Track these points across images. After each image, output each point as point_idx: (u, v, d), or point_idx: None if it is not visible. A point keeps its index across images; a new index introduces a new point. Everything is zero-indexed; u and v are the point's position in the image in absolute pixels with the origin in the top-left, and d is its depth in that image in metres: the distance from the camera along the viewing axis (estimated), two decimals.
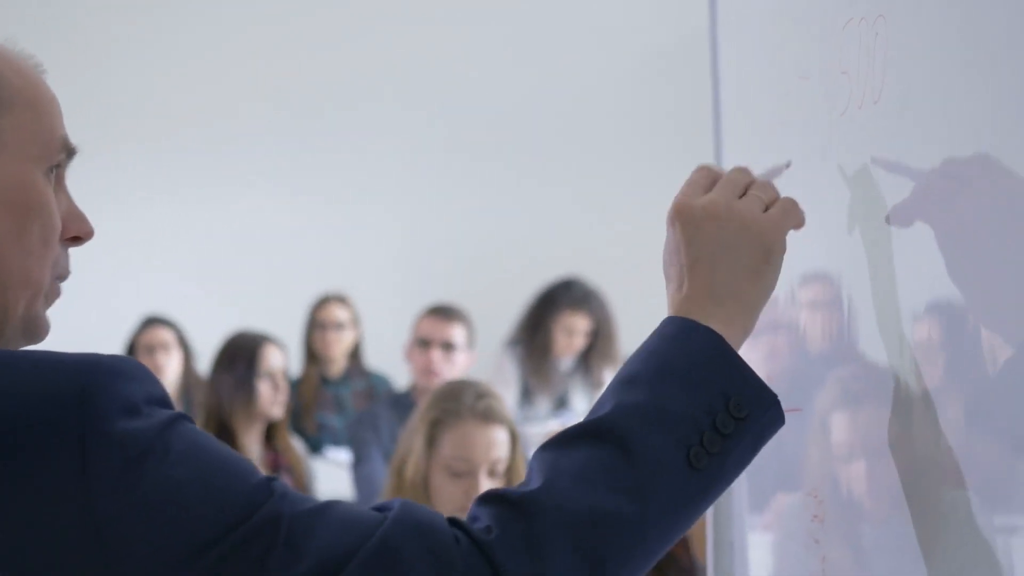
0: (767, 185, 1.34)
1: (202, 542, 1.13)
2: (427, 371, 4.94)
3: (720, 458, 1.22)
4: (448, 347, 4.98)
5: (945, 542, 1.25)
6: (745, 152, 1.71)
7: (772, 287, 1.31)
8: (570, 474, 1.19)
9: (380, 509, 1.19)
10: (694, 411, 1.21)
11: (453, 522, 1.18)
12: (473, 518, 1.19)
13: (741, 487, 1.67)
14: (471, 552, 1.15)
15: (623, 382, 1.25)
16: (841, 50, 1.39)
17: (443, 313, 5.09)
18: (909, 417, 1.31)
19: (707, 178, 1.35)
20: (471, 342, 5.07)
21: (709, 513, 1.74)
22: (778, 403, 1.25)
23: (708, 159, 1.77)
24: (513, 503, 1.18)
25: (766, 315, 1.32)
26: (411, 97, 7.11)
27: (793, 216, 1.33)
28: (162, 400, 1.18)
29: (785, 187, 1.36)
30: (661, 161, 6.93)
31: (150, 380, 1.18)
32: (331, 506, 1.17)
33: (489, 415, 2.83)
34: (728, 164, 1.72)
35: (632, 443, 1.20)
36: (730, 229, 1.29)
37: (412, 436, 2.88)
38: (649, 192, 6.75)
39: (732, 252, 1.29)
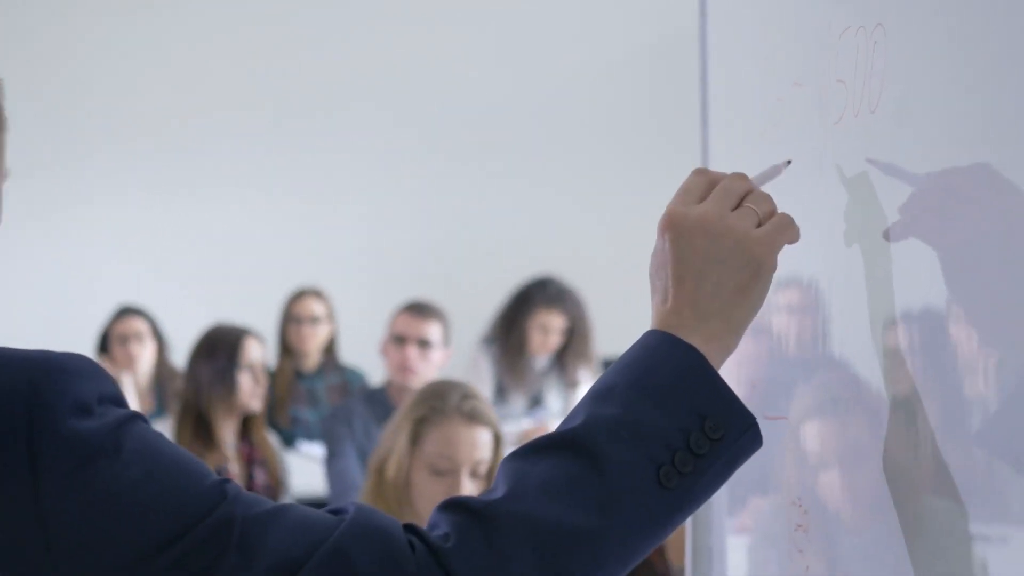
0: (764, 198, 1.30)
1: (153, 545, 1.11)
2: (402, 368, 4.92)
3: (692, 478, 1.19)
4: (424, 344, 4.97)
5: (931, 551, 1.25)
6: (733, 156, 1.70)
7: (759, 305, 1.28)
8: (535, 485, 1.17)
9: (336, 512, 1.17)
10: (667, 429, 1.19)
11: (410, 529, 1.17)
12: (432, 525, 1.18)
13: (721, 492, 1.67)
14: (426, 560, 1.14)
15: (598, 394, 1.23)
16: (837, 58, 1.38)
17: (419, 310, 5.08)
18: (895, 426, 1.31)
19: (703, 184, 1.30)
20: (447, 339, 5.06)
21: (688, 519, 1.73)
22: (755, 426, 1.23)
23: (695, 161, 1.76)
24: (474, 511, 1.16)
25: (754, 322, 1.30)
26: (388, 95, 7.10)
27: (788, 233, 1.29)
28: (115, 399, 1.16)
29: (777, 194, 1.35)
30: (641, 161, 6.95)
31: (103, 378, 1.16)
32: (285, 510, 1.16)
33: (475, 416, 2.83)
34: (714, 167, 1.71)
35: (601, 457, 1.18)
36: (721, 244, 1.26)
37: (395, 434, 2.88)
38: (628, 192, 6.79)
39: (720, 268, 1.26)
